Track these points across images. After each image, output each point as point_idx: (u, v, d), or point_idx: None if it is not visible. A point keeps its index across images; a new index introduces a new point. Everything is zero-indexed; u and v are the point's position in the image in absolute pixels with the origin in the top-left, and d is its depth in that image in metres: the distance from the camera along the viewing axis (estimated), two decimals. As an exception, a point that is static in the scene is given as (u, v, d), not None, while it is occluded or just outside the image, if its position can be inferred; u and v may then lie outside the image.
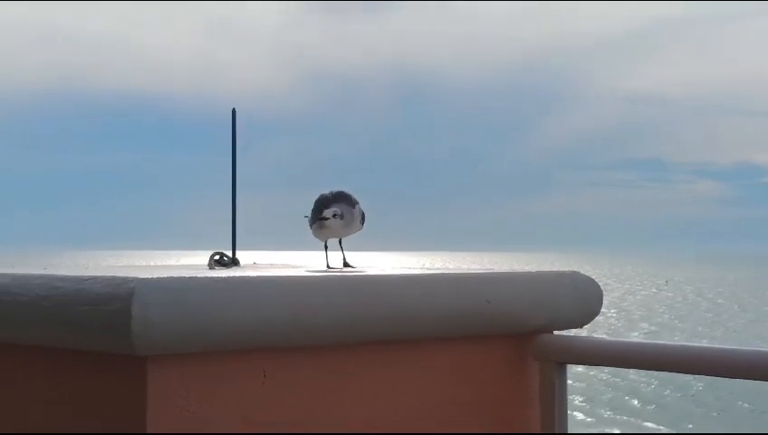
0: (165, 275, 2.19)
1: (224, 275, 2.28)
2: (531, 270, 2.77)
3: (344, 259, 2.99)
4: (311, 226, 3.01)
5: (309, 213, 3.04)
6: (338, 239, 3.04)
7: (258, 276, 2.32)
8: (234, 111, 3.14)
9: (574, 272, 2.81)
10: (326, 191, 2.98)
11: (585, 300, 2.79)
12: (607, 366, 2.69)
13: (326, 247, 3.06)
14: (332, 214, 2.92)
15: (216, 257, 3.06)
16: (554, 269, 2.80)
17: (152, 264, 3.72)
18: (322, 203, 2.99)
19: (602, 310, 2.89)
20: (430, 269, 2.85)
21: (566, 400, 2.72)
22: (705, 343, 2.48)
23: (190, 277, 2.21)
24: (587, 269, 2.91)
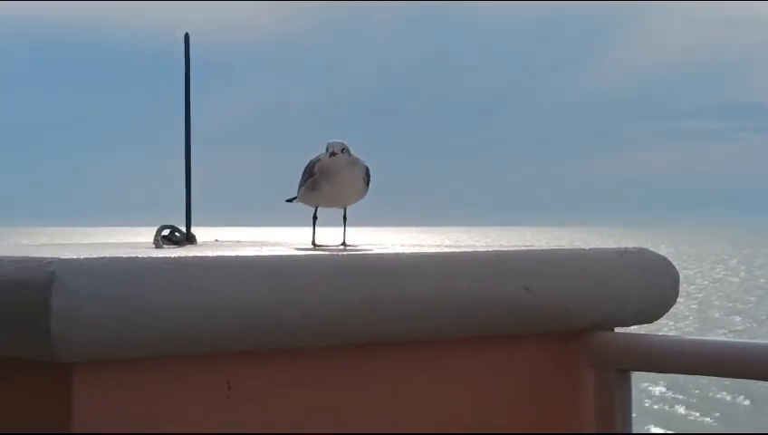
0: (96, 256, 2.16)
1: (174, 256, 2.25)
2: (584, 247, 2.75)
3: (344, 237, 3.00)
4: (299, 189, 3.05)
5: (294, 192, 3.10)
6: (342, 211, 3.06)
7: (221, 257, 2.30)
8: (187, 37, 3.11)
9: (642, 249, 2.80)
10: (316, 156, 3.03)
11: (656, 286, 2.77)
12: (690, 374, 2.67)
13: (315, 219, 3.07)
14: (341, 148, 2.96)
15: (165, 233, 3.04)
16: (616, 246, 2.79)
17: (79, 242, 3.71)
18: (313, 164, 3.02)
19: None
20: (450, 247, 2.83)
21: (630, 417, 2.71)
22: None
23: (129, 258, 2.18)
24: (661, 248, 2.89)
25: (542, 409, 2.70)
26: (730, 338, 2.76)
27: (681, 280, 2.86)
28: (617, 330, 2.76)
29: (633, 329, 2.81)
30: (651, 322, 2.82)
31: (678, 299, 2.84)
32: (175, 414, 2.26)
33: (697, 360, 2.61)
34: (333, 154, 2.98)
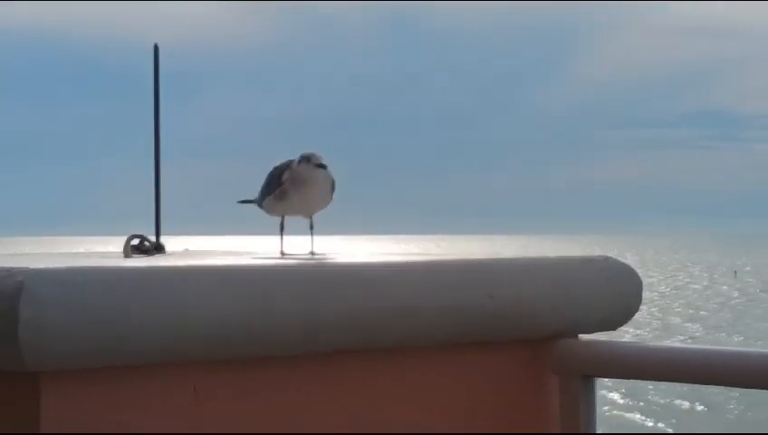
0: (64, 265, 2.15)
1: (143, 265, 2.24)
2: (549, 255, 2.75)
3: (312, 245, 2.99)
4: (263, 198, 3.05)
5: (255, 193, 3.10)
6: (308, 220, 3.06)
7: (190, 266, 2.29)
8: (156, 48, 3.10)
9: (606, 257, 2.80)
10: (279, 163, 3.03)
11: (620, 294, 2.78)
12: (652, 380, 2.68)
13: (282, 228, 3.07)
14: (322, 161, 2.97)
15: (135, 242, 3.02)
16: (580, 254, 2.80)
17: (48, 251, 3.69)
18: (279, 172, 3.01)
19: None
20: (417, 256, 2.83)
21: (594, 423, 2.71)
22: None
23: (97, 267, 2.16)
24: (628, 257, 2.90)
25: (508, 415, 2.69)
26: (693, 344, 2.78)
27: (644, 287, 2.86)
28: (581, 337, 2.77)
29: (596, 336, 2.81)
30: (614, 329, 2.82)
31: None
32: (142, 422, 2.24)
33: (661, 366, 2.61)
34: (322, 166, 2.96)
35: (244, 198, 3.19)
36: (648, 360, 2.64)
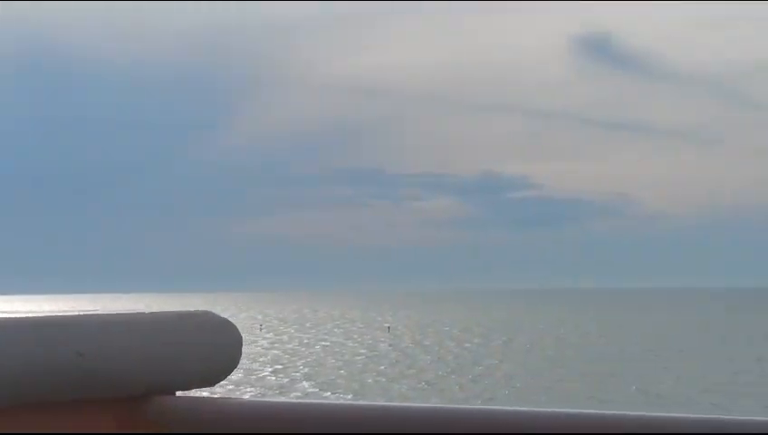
0: None
1: None
2: (143, 312, 2.67)
3: None
4: None
5: None
6: None
7: None
8: None
9: (205, 312, 2.75)
10: None
11: (219, 349, 2.73)
12: None
13: None
14: None
15: None
16: (179, 310, 2.73)
17: None
18: None
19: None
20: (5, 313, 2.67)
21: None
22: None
23: None
24: (223, 313, 2.84)
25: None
26: (293, 399, 2.76)
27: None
28: (178, 394, 2.69)
29: (197, 392, 2.75)
30: (213, 385, 2.77)
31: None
32: None
33: (261, 421, 2.58)
34: None
35: None
36: (247, 415, 2.60)
